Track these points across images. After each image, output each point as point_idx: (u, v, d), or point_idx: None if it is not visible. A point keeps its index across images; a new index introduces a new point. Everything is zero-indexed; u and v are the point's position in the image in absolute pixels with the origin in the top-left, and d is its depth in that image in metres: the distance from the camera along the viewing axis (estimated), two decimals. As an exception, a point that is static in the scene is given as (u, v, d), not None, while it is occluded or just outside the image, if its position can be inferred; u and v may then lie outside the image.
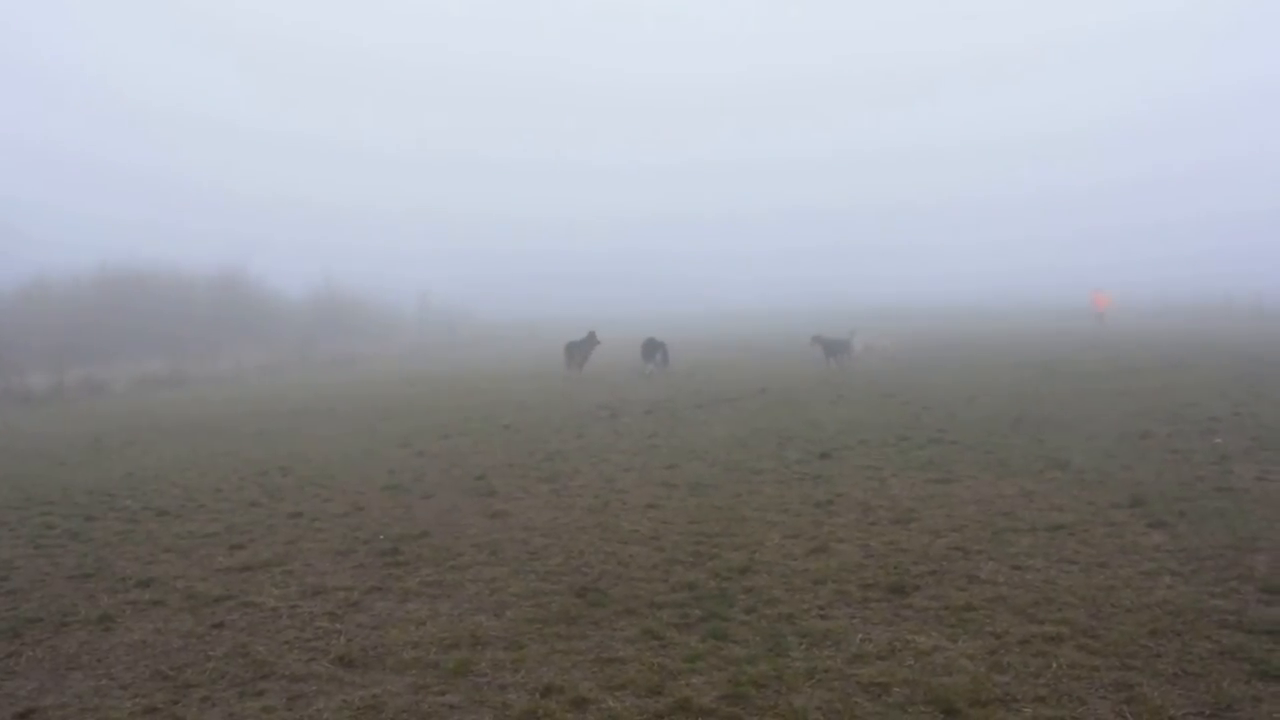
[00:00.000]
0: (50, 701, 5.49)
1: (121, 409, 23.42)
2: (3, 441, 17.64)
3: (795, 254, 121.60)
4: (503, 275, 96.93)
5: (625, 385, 22.24)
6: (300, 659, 5.94)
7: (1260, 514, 8.11)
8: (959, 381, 19.72)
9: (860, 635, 5.88)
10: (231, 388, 28.94)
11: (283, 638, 6.33)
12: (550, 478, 11.38)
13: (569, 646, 5.95)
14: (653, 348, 25.06)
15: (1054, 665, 5.30)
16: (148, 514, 10.34)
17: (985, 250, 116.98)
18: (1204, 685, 4.99)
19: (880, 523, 8.53)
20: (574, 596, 6.87)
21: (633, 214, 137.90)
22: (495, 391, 22.80)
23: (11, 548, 9.05)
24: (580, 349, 25.65)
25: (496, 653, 5.89)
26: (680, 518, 9.06)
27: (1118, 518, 8.29)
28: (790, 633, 5.96)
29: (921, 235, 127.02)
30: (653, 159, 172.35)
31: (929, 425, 13.90)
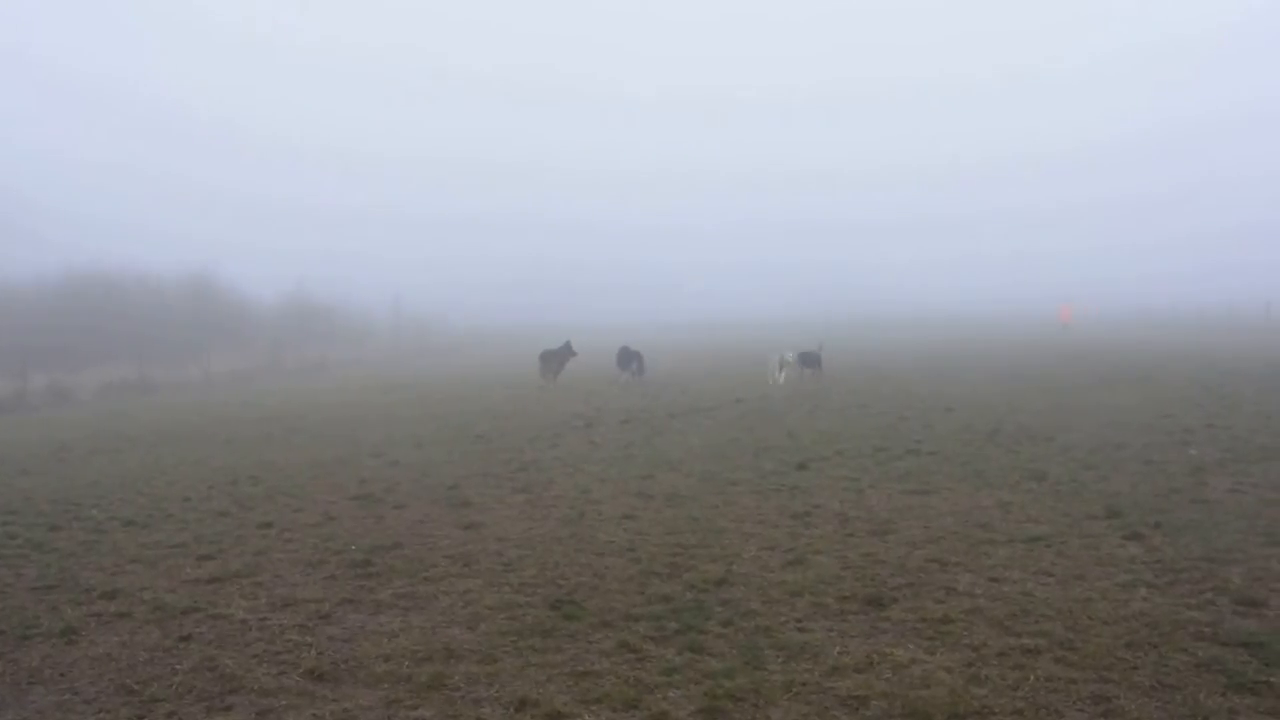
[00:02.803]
0: (11, 717, 5.35)
1: (87, 416, 23.06)
2: (-36, 449, 17.26)
3: (780, 267, 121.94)
4: (478, 279, 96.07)
5: (601, 395, 22.17)
6: (270, 672, 5.82)
7: (1234, 526, 8.17)
8: (936, 392, 19.82)
9: (838, 648, 5.84)
10: (201, 394, 28.59)
11: (252, 651, 6.20)
12: (525, 488, 11.28)
13: (544, 660, 5.87)
14: (628, 357, 25.02)
15: (1031, 678, 5.29)
16: (114, 524, 10.14)
17: (973, 263, 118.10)
18: (1180, 698, 4.99)
19: (858, 534, 8.52)
20: (549, 609, 6.79)
21: (613, 223, 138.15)
22: (469, 400, 22.66)
23: (-29, 558, 8.83)
24: (555, 358, 25.56)
25: (470, 666, 5.80)
26: (656, 529, 9.00)
27: (1094, 529, 8.33)
28: (767, 645, 5.91)
29: (911, 250, 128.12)
30: (633, 168, 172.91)
31: (906, 436, 13.93)
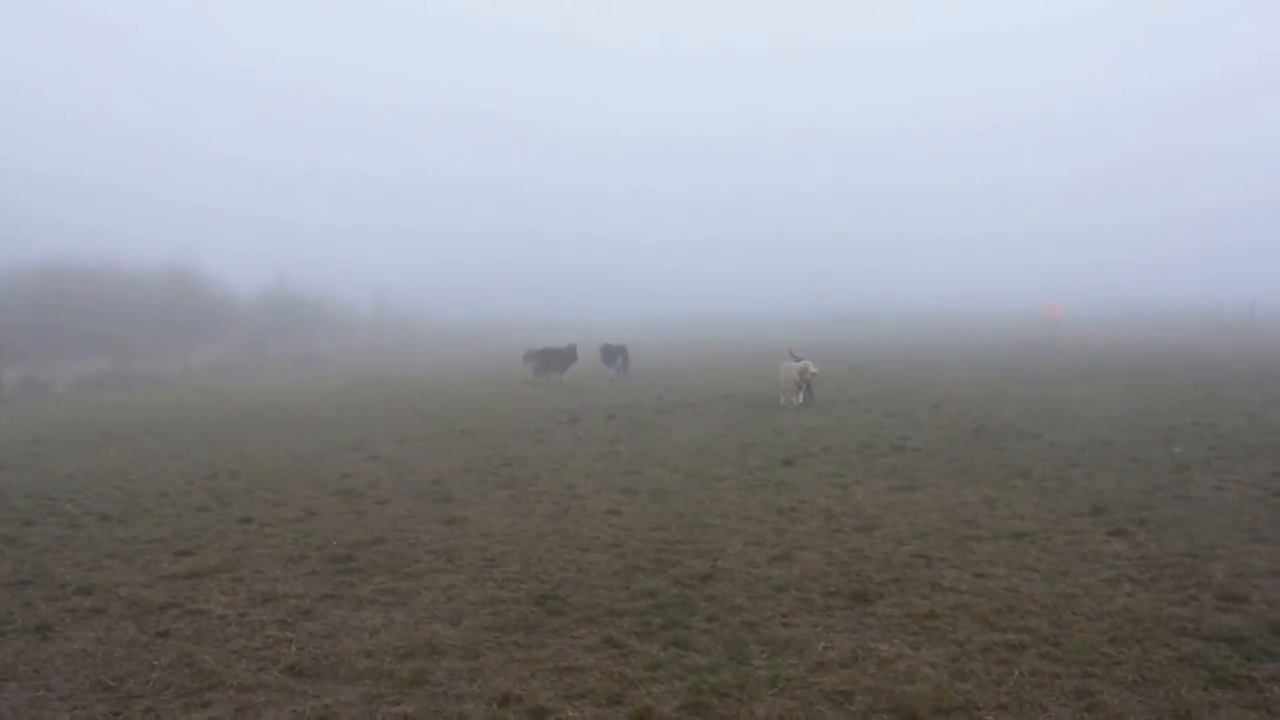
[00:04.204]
0: (-18, 714, 5.25)
1: (62, 410, 22.79)
2: (-61, 442, 17.02)
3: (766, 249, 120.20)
4: (460, 259, 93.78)
5: (586, 390, 22.11)
6: (249, 668, 5.75)
7: (1218, 523, 8.22)
8: (921, 389, 19.87)
9: (823, 643, 5.83)
10: (179, 388, 28.32)
11: (231, 647, 6.13)
12: (509, 483, 11.22)
13: (527, 655, 5.82)
14: (612, 352, 24.94)
15: (1016, 673, 5.30)
16: (89, 518, 10.00)
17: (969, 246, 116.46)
18: (1163, 692, 5.01)
19: (843, 530, 8.51)
20: (533, 604, 6.74)
21: (598, 193, 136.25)
22: (453, 394, 22.55)
23: (-56, 553, 8.68)
24: (559, 358, 24.69)
25: (453, 662, 5.75)
26: (641, 524, 8.96)
27: (1078, 526, 8.35)
28: (752, 641, 5.90)
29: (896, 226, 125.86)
30: (622, 132, 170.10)
31: (892, 433, 13.95)
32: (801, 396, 17.23)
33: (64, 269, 36.23)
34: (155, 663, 5.88)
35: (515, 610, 6.63)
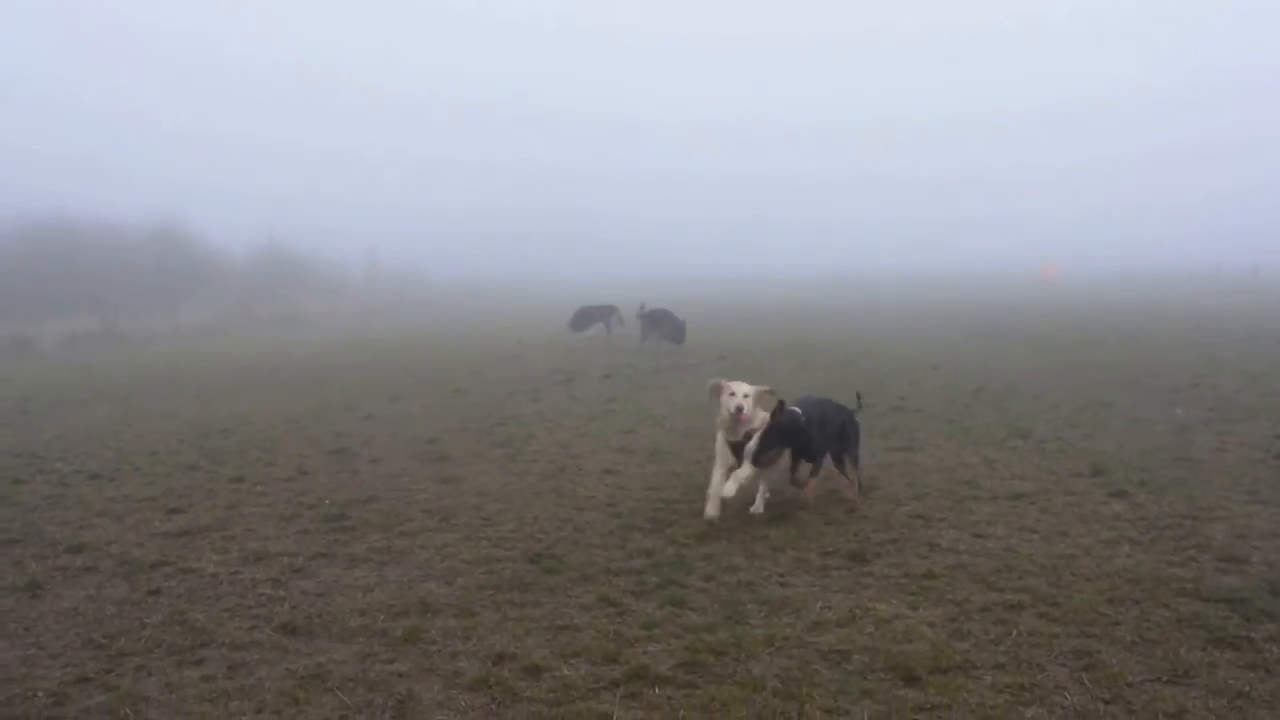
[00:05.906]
0: (-29, 672, 5.19)
1: (51, 368, 22.64)
2: (-72, 400, 16.88)
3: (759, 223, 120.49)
4: (456, 231, 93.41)
5: (581, 350, 22.02)
6: (241, 627, 5.70)
7: (1218, 484, 8.16)
8: (921, 349, 19.79)
9: (820, 603, 5.78)
10: (169, 346, 28.16)
11: (223, 605, 6.08)
12: (504, 443, 11.15)
13: (522, 614, 5.77)
14: (588, 316, 24.71)
15: (1014, 633, 5.26)
16: (79, 477, 9.92)
17: (958, 226, 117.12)
18: (1161, 652, 4.97)
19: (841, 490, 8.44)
20: (528, 563, 6.69)
21: (603, 171, 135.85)
22: (447, 354, 22.43)
23: (-67, 510, 8.60)
24: (670, 322, 22.52)
25: (447, 620, 5.71)
26: (637, 484, 8.91)
27: (1078, 486, 8.30)
28: (749, 600, 5.85)
29: (908, 209, 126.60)
30: (626, 114, 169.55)
31: (891, 393, 13.86)
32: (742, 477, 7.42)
33: (50, 226, 35.80)
34: (147, 621, 5.83)
35: (510, 569, 6.58)
